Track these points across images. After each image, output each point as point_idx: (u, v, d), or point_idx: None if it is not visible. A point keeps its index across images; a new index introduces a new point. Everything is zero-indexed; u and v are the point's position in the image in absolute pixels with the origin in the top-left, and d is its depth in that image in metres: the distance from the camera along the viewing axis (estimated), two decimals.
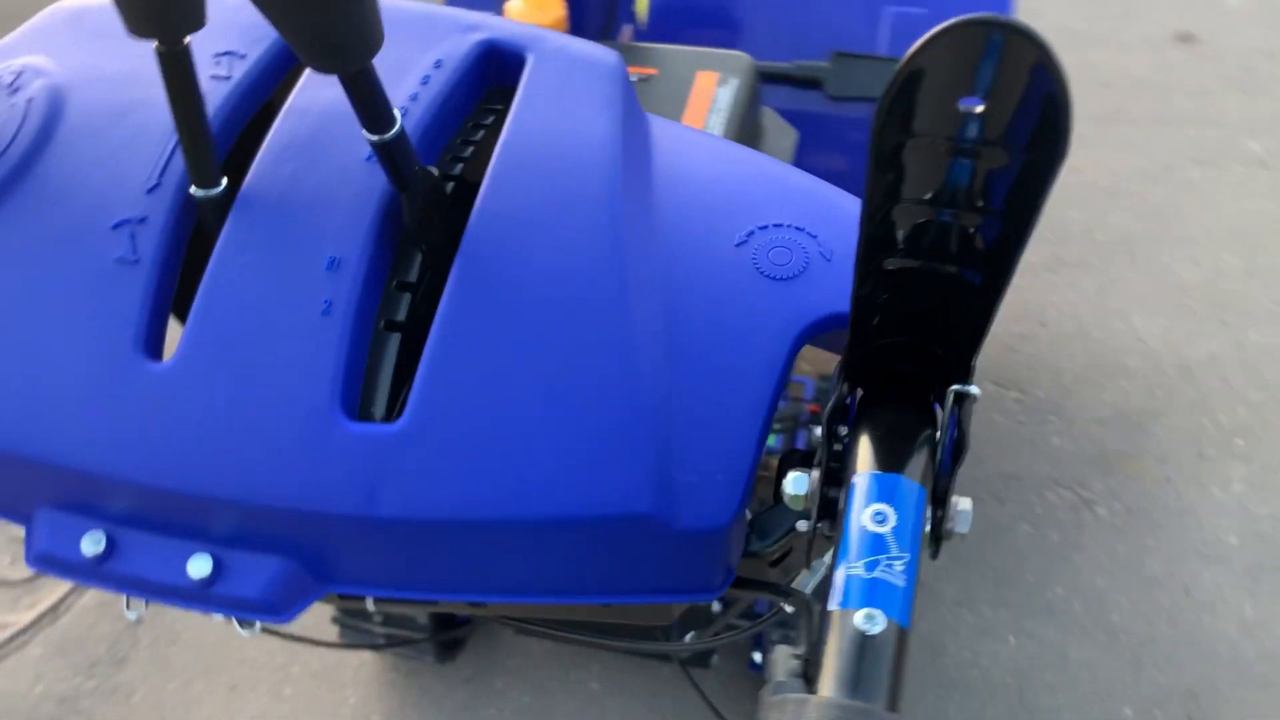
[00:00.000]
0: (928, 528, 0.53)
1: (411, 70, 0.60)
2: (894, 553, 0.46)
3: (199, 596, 0.56)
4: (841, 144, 1.83)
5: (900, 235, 0.45)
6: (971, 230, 0.44)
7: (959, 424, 0.53)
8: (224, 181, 0.57)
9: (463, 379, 0.52)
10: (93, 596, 1.99)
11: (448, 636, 1.75)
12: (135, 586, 0.56)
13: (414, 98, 0.59)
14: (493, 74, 0.62)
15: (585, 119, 0.58)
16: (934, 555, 0.54)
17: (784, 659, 0.47)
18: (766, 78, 1.81)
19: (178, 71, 0.51)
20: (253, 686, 1.85)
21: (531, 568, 0.55)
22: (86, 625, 1.95)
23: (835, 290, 0.55)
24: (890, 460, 0.49)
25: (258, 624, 0.59)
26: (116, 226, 0.57)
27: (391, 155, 0.52)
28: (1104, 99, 2.98)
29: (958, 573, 1.93)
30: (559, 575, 0.56)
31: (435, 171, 0.55)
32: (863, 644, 0.44)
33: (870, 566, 0.46)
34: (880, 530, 0.47)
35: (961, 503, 0.54)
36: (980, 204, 0.42)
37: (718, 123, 1.14)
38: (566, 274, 0.53)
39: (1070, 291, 2.43)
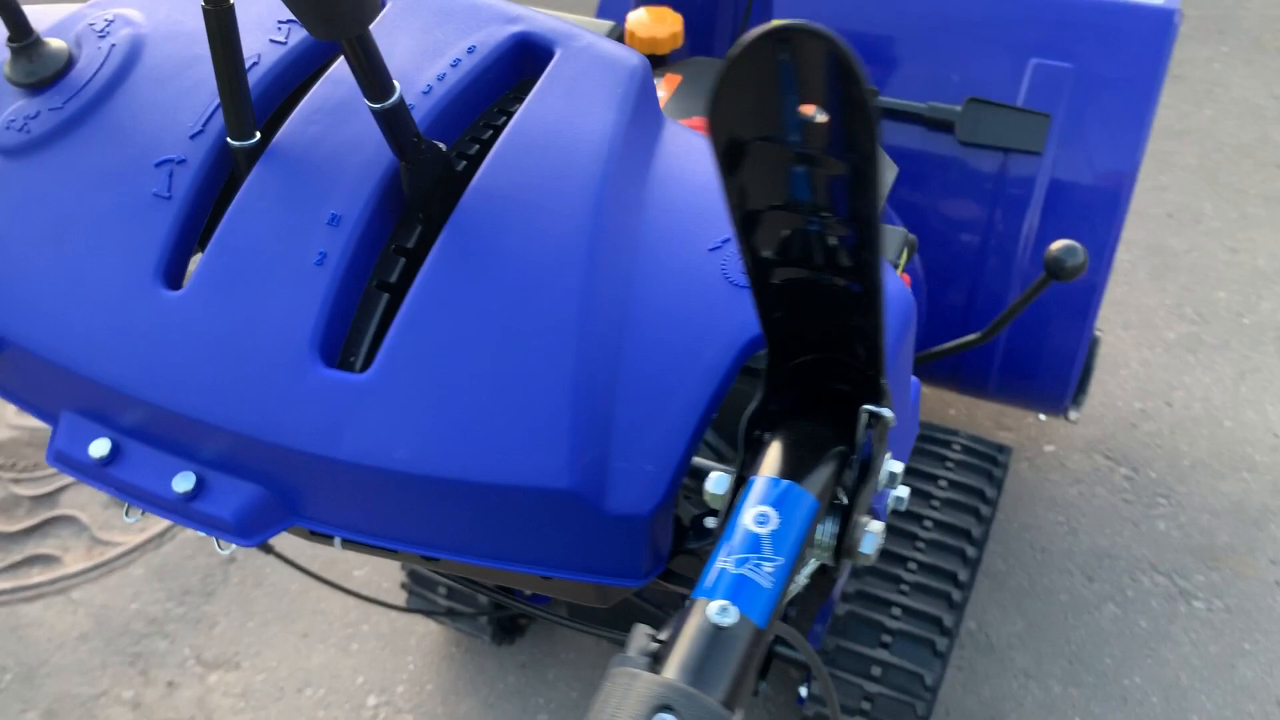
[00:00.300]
0: (828, 540, 0.53)
1: (446, 53, 0.64)
2: (766, 554, 0.47)
3: (180, 510, 0.60)
4: (969, 190, 1.80)
5: (774, 246, 0.45)
6: (834, 239, 0.44)
7: (872, 445, 0.53)
8: (258, 135, 0.62)
9: (428, 341, 0.56)
10: (194, 531, 2.11)
11: (506, 616, 1.80)
12: (128, 492, 0.62)
13: (441, 77, 0.63)
14: (526, 66, 0.65)
15: (591, 113, 0.60)
16: (834, 568, 0.54)
17: (639, 637, 0.48)
18: (897, 115, 1.80)
19: (221, 29, 0.56)
20: (323, 638, 1.94)
21: (470, 528, 0.58)
22: (185, 555, 2.08)
23: None
24: (788, 468, 0.50)
25: (232, 546, 0.63)
26: (159, 164, 0.63)
27: (390, 124, 0.56)
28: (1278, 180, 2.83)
29: (1032, 642, 1.86)
30: (494, 539, 0.59)
31: (442, 147, 0.59)
32: (712, 634, 0.45)
33: (740, 563, 0.47)
34: (759, 530, 0.48)
35: (871, 524, 0.54)
36: (825, 211, 0.42)
37: None
38: (537, 256, 0.56)
39: (1205, 373, 2.31)
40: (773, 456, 0.50)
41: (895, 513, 0.86)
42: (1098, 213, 1.75)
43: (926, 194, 1.84)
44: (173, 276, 0.61)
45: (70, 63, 0.67)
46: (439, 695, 1.85)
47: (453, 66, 0.63)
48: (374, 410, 0.55)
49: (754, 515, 0.48)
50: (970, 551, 1.60)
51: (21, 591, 2.04)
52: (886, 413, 0.51)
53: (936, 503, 1.66)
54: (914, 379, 0.68)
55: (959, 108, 1.75)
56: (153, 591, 2.02)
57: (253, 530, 0.60)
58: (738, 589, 0.46)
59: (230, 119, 0.61)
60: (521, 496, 0.54)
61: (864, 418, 0.51)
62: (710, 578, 0.46)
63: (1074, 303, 1.79)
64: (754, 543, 0.47)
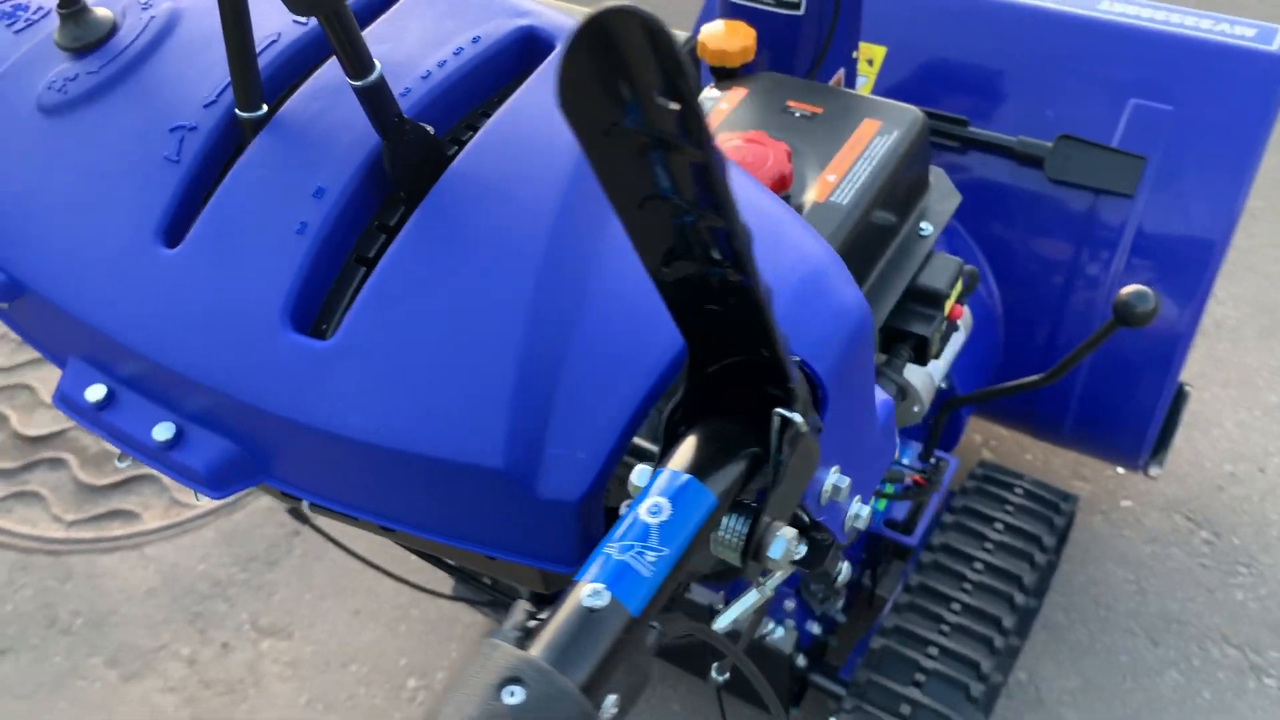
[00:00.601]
0: (734, 539, 0.52)
1: (450, 42, 0.65)
2: (653, 544, 0.47)
3: (158, 458, 0.63)
4: (1055, 229, 1.75)
5: (656, 239, 0.44)
6: (705, 230, 0.43)
7: (780, 449, 0.52)
8: (264, 108, 0.65)
9: (388, 315, 0.57)
10: (266, 500, 2.19)
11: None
12: (117, 437, 0.65)
13: (441, 64, 0.64)
14: (531, 58, 0.66)
15: None
16: (742, 567, 0.54)
17: (518, 612, 0.48)
18: (986, 147, 1.76)
19: (231, 4, 0.59)
20: (373, 616, 1.98)
21: (417, 501, 0.59)
22: (254, 524, 2.16)
23: None
24: (693, 463, 0.49)
25: (204, 497, 0.65)
26: (173, 130, 0.66)
27: (371, 101, 0.58)
28: None
29: (1085, 701, 1.80)
30: (439, 514, 0.60)
31: (430, 130, 0.60)
32: (580, 616, 0.45)
33: (625, 549, 0.46)
34: (650, 521, 0.47)
35: (782, 530, 0.53)
36: (689, 201, 0.41)
37: (866, 169, 1.13)
38: (500, 243, 0.57)
39: None
40: (682, 451, 0.50)
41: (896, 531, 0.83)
42: (1188, 263, 1.68)
43: (1012, 230, 1.80)
44: (172, 236, 0.64)
45: (113, 31, 0.71)
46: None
47: (455, 54, 0.65)
48: (332, 377, 0.57)
49: (649, 505, 0.48)
50: (1019, 598, 1.55)
51: (101, 543, 2.14)
52: (796, 417, 0.50)
53: (990, 545, 1.62)
54: (886, 398, 0.66)
55: (1050, 144, 1.71)
56: (220, 555, 2.10)
57: (222, 484, 0.63)
58: (617, 575, 0.46)
59: (238, 90, 0.64)
60: (460, 473, 0.55)
61: (775, 421, 0.51)
62: (594, 562, 0.46)
63: (1156, 353, 1.73)
64: (643, 532, 0.47)
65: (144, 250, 0.63)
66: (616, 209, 0.43)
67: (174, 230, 0.64)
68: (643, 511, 0.48)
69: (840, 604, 1.61)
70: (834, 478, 0.59)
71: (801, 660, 1.58)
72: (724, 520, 0.53)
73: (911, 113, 1.20)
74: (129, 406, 0.64)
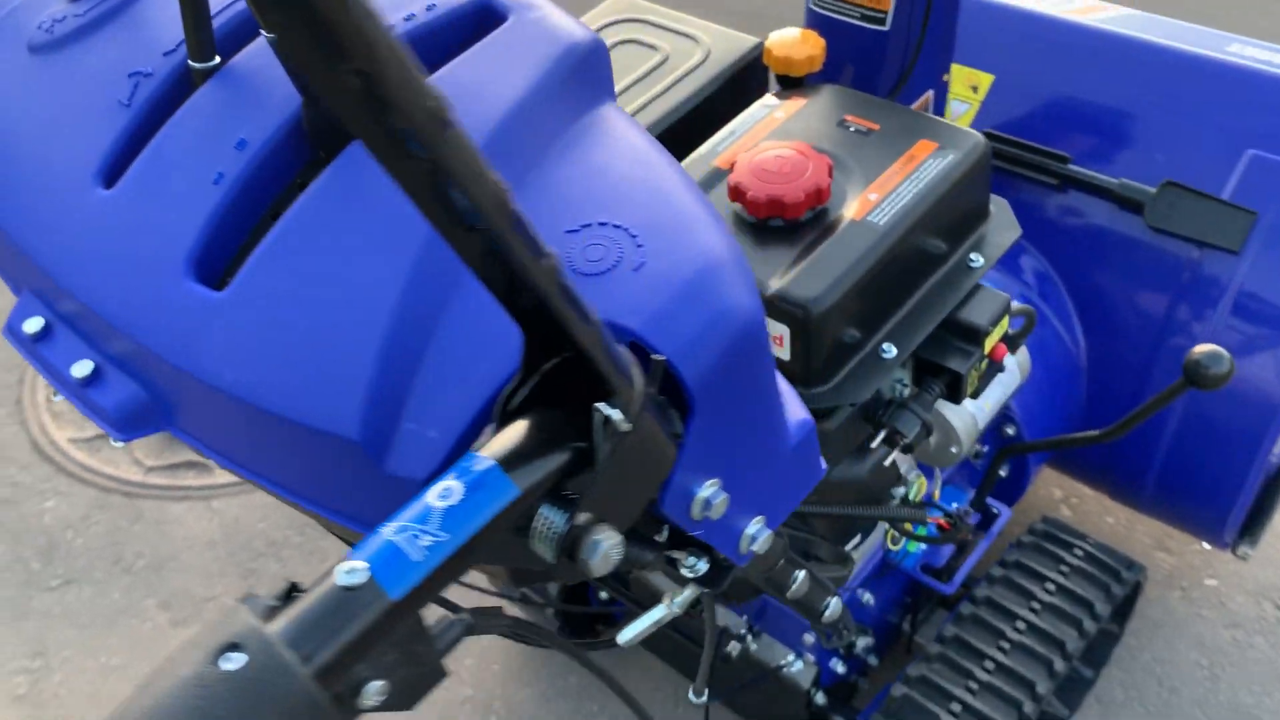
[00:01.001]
0: (550, 533, 0.49)
1: (405, 8, 0.64)
2: (431, 528, 0.44)
3: (76, 394, 0.64)
4: (1151, 279, 1.65)
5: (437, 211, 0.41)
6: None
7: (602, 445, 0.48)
8: (217, 59, 0.65)
9: (276, 273, 0.56)
10: None
11: (577, 615, 1.79)
12: (47, 369, 0.66)
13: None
14: (483, 29, 0.64)
15: (503, 80, 0.59)
16: (553, 562, 0.50)
17: (284, 584, 0.46)
18: (1085, 187, 1.67)
19: None
20: None
21: (287, 464, 0.58)
22: None
23: (614, 299, 0.52)
24: (504, 450, 0.47)
25: (119, 441, 0.66)
26: (130, 75, 0.67)
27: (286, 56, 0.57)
28: None
29: None
30: (306, 479, 0.58)
31: None
32: (333, 594, 0.42)
33: (400, 531, 0.44)
34: (436, 505, 0.45)
35: (606, 536, 0.50)
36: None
37: (911, 190, 1.08)
38: (389, 213, 0.55)
39: None
40: (500, 438, 0.47)
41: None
42: None
43: (1106, 276, 1.70)
44: (110, 178, 0.64)
45: None
46: (501, 678, 1.86)
47: (405, 20, 0.63)
48: (218, 329, 0.56)
49: (440, 489, 0.45)
50: (1059, 664, 1.46)
51: (173, 490, 2.22)
52: (614, 414, 0.47)
53: (1037, 605, 1.53)
54: (807, 418, 0.62)
55: (1154, 190, 1.61)
56: (279, 516, 2.15)
57: (128, 426, 0.63)
58: (384, 556, 0.43)
59: (190, 41, 0.64)
60: (320, 439, 0.54)
61: (596, 416, 0.47)
62: (369, 540, 0.44)
63: (1249, 422, 1.60)
64: (423, 515, 0.45)
65: (84, 190, 0.63)
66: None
67: (113, 172, 0.64)
68: (432, 494, 0.45)
69: (865, 644, 1.54)
70: (707, 491, 0.55)
71: (821, 698, 1.52)
72: (544, 513, 0.50)
73: (973, 138, 1.14)
74: (60, 341, 0.65)
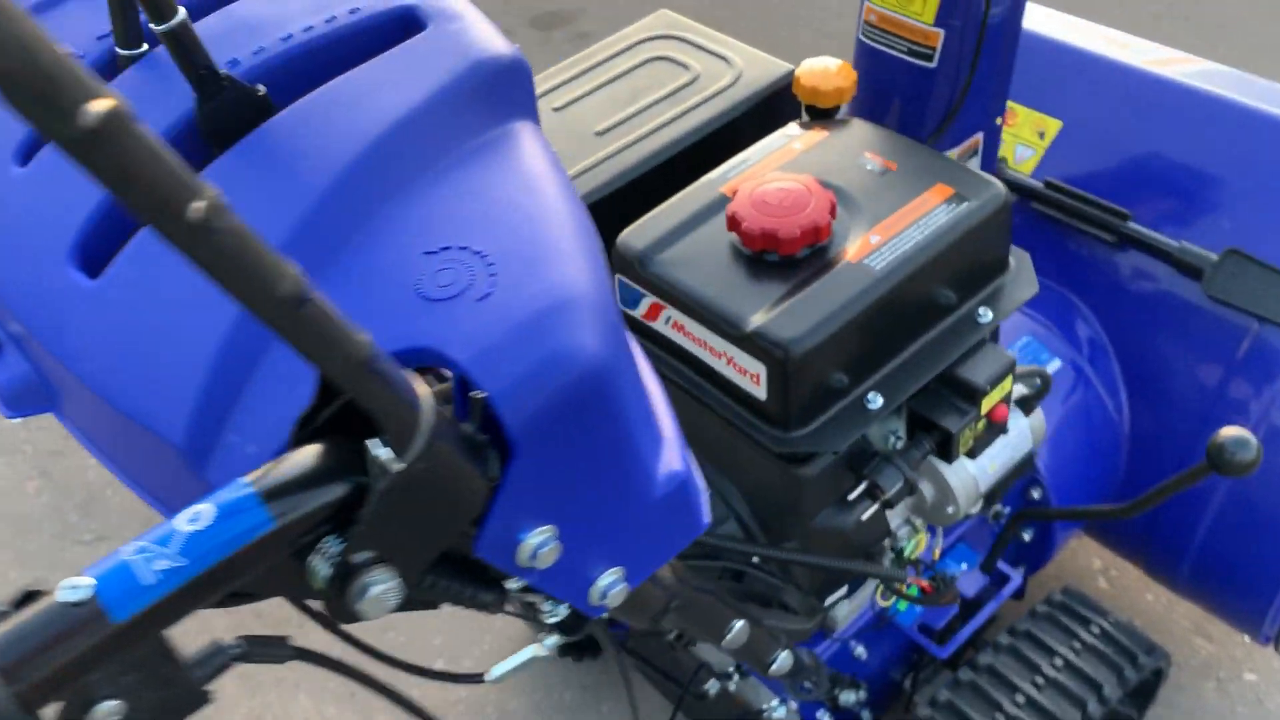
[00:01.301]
0: (322, 569, 0.46)
1: (327, 10, 0.63)
2: (170, 552, 0.42)
3: None
4: (1205, 350, 1.56)
5: None
6: None
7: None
8: (144, 46, 0.64)
9: (141, 267, 0.55)
10: None
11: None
12: None
13: (307, 29, 0.62)
14: (405, 37, 0.63)
15: (401, 87, 0.57)
16: (329, 601, 0.48)
17: (23, 591, 0.44)
18: (1143, 247, 1.59)
19: None
20: None
21: (130, 455, 0.57)
22: None
23: (450, 328, 0.50)
24: (265, 477, 0.44)
25: (10, 417, 0.66)
26: (81, 55, 0.67)
27: (174, 49, 0.56)
28: None
29: None
30: (148, 476, 0.57)
31: (261, 90, 0.58)
32: (50, 609, 0.41)
33: (140, 551, 0.42)
34: (181, 528, 0.43)
35: (377, 573, 0.47)
36: None
37: (916, 236, 1.03)
38: (253, 218, 0.54)
39: None
40: (274, 464, 0.45)
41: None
42: None
43: (1157, 342, 1.61)
44: (26, 158, 0.64)
45: None
46: (497, 685, 1.85)
47: (326, 21, 0.62)
48: (84, 318, 0.56)
49: (190, 512, 0.43)
50: None
51: None
52: (381, 454, 0.44)
53: (1041, 680, 1.45)
54: (676, 470, 0.58)
55: (1215, 256, 1.52)
56: None
57: (16, 404, 0.63)
58: (113, 575, 0.42)
59: (117, 25, 0.63)
60: (154, 440, 0.53)
61: (367, 452, 0.45)
62: (107, 558, 0.42)
63: None
64: (166, 538, 0.43)
65: (3, 167, 0.64)
66: None
67: (29, 153, 0.65)
68: (182, 517, 0.44)
69: (855, 698, 1.49)
70: (535, 538, 0.52)
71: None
72: (325, 546, 0.48)
73: (993, 187, 1.09)
74: None
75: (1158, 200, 1.62)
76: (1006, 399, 1.09)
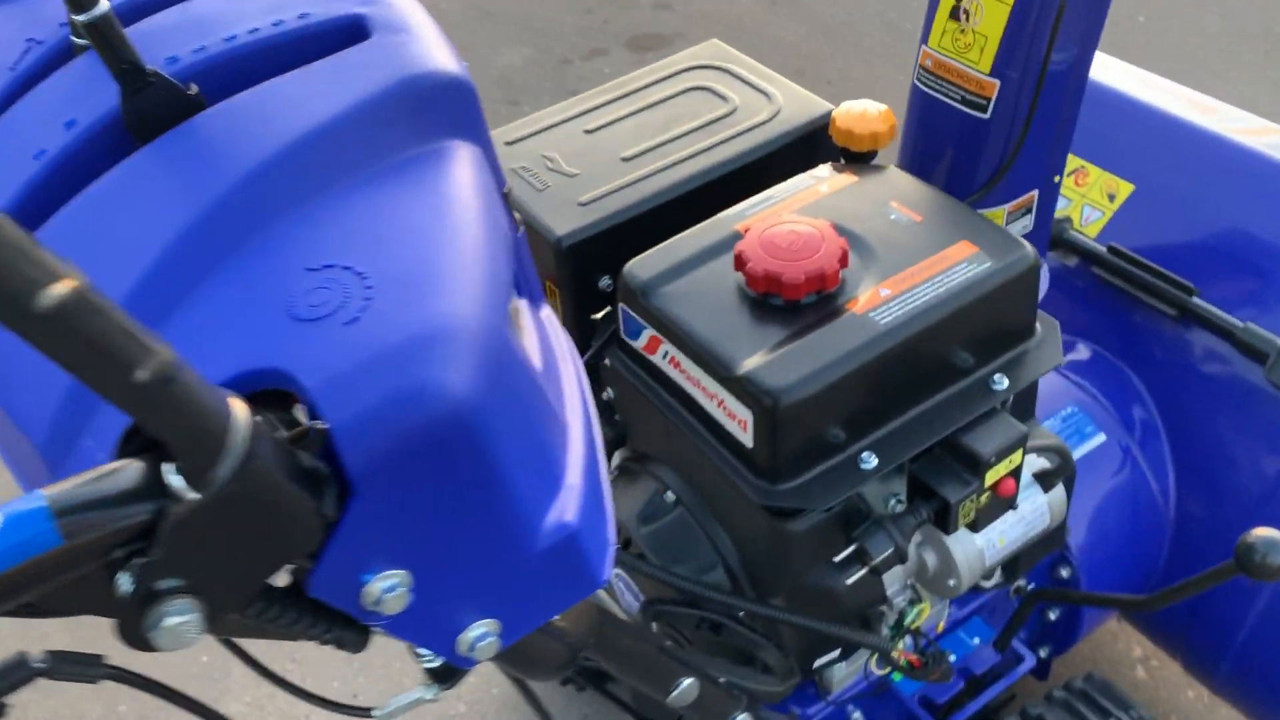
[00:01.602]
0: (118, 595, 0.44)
1: (278, 12, 0.61)
2: None
3: None
4: (1265, 436, 1.46)
5: None
6: None
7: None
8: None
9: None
10: None
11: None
12: None
13: (253, 31, 0.60)
14: (351, 44, 0.61)
15: (326, 95, 0.55)
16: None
17: None
18: (1205, 325, 1.50)
19: None
20: None
21: (13, 450, 0.56)
22: None
23: (308, 351, 0.47)
24: (63, 492, 0.42)
25: None
26: (27, 40, 0.67)
27: (97, 40, 0.55)
28: None
29: None
30: (25, 475, 0.56)
31: (195, 89, 0.56)
32: None
33: None
34: None
35: (175, 604, 0.44)
36: None
37: (929, 293, 0.99)
38: (150, 219, 0.52)
39: None
40: (77, 478, 0.43)
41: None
42: None
43: (1213, 423, 1.52)
44: None
45: None
46: (497, 703, 1.83)
47: (273, 25, 0.61)
48: None
49: None
50: None
51: None
52: (172, 480, 0.42)
53: None
54: (569, 522, 0.54)
55: None
56: None
57: None
58: None
59: (71, 16, 0.63)
60: (28, 440, 0.51)
61: (164, 477, 0.42)
62: None
63: None
64: None
65: None
66: None
67: None
68: None
69: None
70: (382, 582, 0.49)
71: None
72: (136, 564, 0.46)
73: (1020, 249, 1.04)
74: None
75: (1228, 277, 1.53)
76: (1015, 473, 1.03)
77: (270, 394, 0.48)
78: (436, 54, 0.60)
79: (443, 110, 0.59)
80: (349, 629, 0.54)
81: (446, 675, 0.61)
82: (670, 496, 1.13)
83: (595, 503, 0.58)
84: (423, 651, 0.60)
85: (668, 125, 1.22)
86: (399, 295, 0.49)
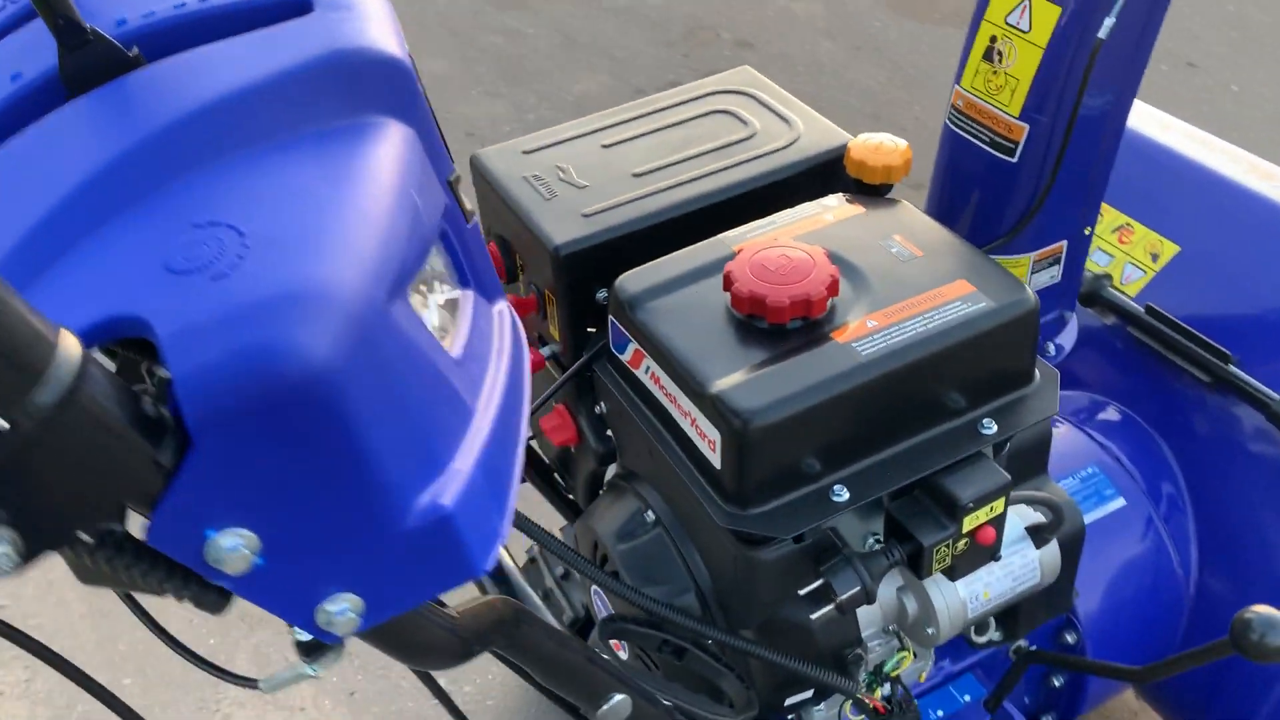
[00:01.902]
0: None
1: None
2: None
3: None
4: None
5: None
6: None
7: None
8: None
9: None
10: None
11: None
12: None
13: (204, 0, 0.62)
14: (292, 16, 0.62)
15: (254, 61, 0.55)
16: None
17: None
18: (1239, 392, 1.43)
19: None
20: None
21: None
22: None
23: (168, 301, 0.47)
24: None
25: None
26: (1, 7, 0.69)
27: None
28: None
29: None
30: None
31: (135, 51, 0.57)
32: None
33: None
34: None
35: None
36: None
37: (918, 329, 0.96)
38: (75, 151, 0.53)
39: None
40: None
41: None
42: None
43: (1242, 497, 1.45)
44: None
45: None
46: (495, 713, 1.82)
47: None
48: None
49: None
50: None
51: None
52: None
53: None
54: (443, 504, 0.53)
55: None
56: None
57: None
58: None
59: None
60: None
61: None
62: None
63: None
64: None
65: None
66: None
67: None
68: None
69: None
70: (227, 539, 0.49)
71: None
72: None
73: (1020, 293, 1.01)
74: None
75: (1270, 348, 1.47)
76: (997, 523, 1.00)
77: (143, 345, 0.48)
78: (374, 31, 0.60)
79: (374, 87, 0.59)
80: (205, 588, 0.54)
81: (314, 649, 0.60)
82: (651, 516, 1.11)
83: (487, 492, 0.57)
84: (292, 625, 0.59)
85: (684, 145, 1.22)
86: (272, 255, 0.49)
